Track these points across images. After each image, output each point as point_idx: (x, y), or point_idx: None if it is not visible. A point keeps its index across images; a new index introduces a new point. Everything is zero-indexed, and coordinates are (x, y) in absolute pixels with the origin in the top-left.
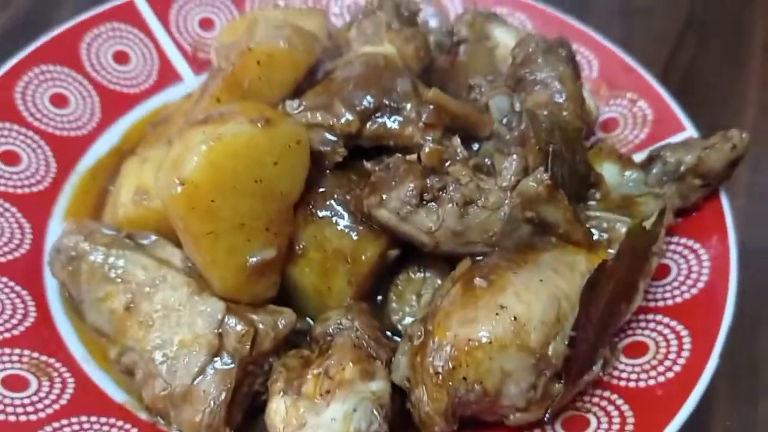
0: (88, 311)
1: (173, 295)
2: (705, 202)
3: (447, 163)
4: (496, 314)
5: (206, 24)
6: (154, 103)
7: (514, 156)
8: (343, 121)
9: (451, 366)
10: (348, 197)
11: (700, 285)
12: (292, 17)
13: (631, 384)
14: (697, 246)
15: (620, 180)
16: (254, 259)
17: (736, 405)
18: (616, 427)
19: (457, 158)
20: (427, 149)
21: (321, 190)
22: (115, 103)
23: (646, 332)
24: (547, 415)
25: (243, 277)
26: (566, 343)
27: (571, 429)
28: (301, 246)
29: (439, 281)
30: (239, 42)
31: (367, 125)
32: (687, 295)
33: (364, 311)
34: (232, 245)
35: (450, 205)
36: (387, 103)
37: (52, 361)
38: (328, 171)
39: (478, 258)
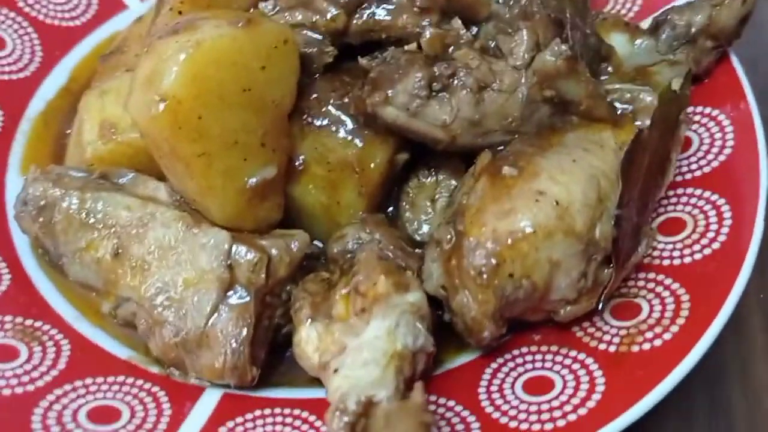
0: (70, 265)
1: (166, 233)
2: (717, 66)
3: (450, 49)
4: (536, 201)
5: None
6: (101, 34)
7: (524, 31)
8: (328, 17)
9: (494, 263)
10: (346, 100)
11: (727, 151)
12: None
13: (676, 261)
14: (716, 113)
15: (631, 50)
16: (254, 180)
17: None
18: (671, 307)
19: (461, 42)
20: (427, 35)
21: (314, 96)
22: (56, 40)
23: (680, 207)
24: (600, 305)
25: (244, 201)
26: (612, 223)
27: (623, 317)
28: (301, 161)
29: (454, 182)
30: None
31: (355, 19)
32: (715, 164)
33: (381, 222)
34: (228, 166)
35: (464, 92)
36: None
37: (39, 324)
38: (317, 75)
39: (498, 148)
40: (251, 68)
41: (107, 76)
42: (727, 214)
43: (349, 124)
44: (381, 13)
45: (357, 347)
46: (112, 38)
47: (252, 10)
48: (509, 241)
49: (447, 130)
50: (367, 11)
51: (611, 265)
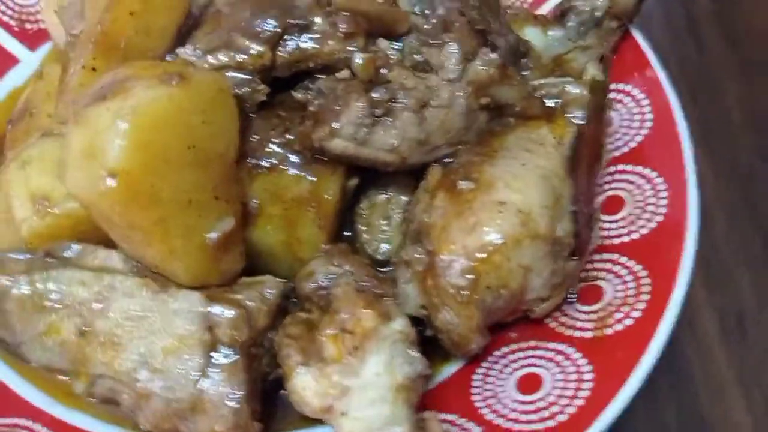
0: (31, 351)
1: (131, 303)
2: (622, 44)
3: (383, 71)
4: (499, 212)
5: None
6: None
7: (451, 44)
8: (252, 53)
9: (471, 279)
10: (288, 136)
11: (648, 124)
12: None
13: (625, 239)
14: (629, 87)
15: (545, 41)
16: (214, 235)
17: None
18: (632, 285)
19: (391, 62)
20: (358, 60)
21: (255, 137)
22: None
23: (615, 185)
24: (570, 296)
25: (207, 257)
26: (570, 219)
27: (589, 301)
28: (254, 204)
29: (404, 197)
30: None
31: (279, 52)
32: (639, 137)
33: (346, 252)
34: (186, 227)
35: (405, 114)
36: (292, 22)
37: (14, 420)
38: (252, 115)
39: (446, 161)
40: (192, 124)
41: (21, 142)
42: (662, 186)
43: (296, 160)
44: (306, 43)
45: (360, 387)
46: (12, 96)
47: (169, 56)
48: (481, 255)
49: (396, 153)
50: (290, 43)
51: (574, 257)
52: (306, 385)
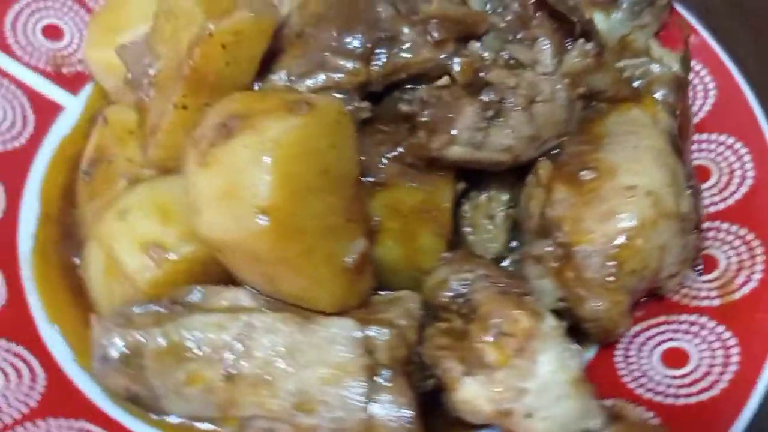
0: (172, 404)
1: (276, 339)
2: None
3: (482, 74)
4: (630, 196)
5: (52, 33)
6: (49, 146)
7: (542, 39)
8: (348, 70)
9: (615, 265)
10: (399, 150)
11: (712, 93)
12: None
13: (721, 206)
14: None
15: (608, 24)
16: (352, 257)
17: None
18: (742, 249)
19: (487, 64)
20: (457, 66)
21: (364, 156)
22: (6, 169)
23: (695, 155)
24: (696, 268)
25: (347, 281)
26: (689, 193)
27: (705, 271)
28: (375, 221)
29: (505, 195)
30: (170, 30)
31: (372, 67)
32: (707, 107)
33: (470, 256)
34: (328, 253)
35: (516, 113)
36: (380, 35)
37: None
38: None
39: (553, 154)
40: (322, 150)
41: (103, 192)
42: (743, 150)
43: (409, 173)
44: (398, 55)
45: (539, 387)
46: (64, 147)
47: (256, 85)
48: (622, 240)
49: (510, 152)
50: (383, 56)
51: (695, 229)
52: (476, 394)
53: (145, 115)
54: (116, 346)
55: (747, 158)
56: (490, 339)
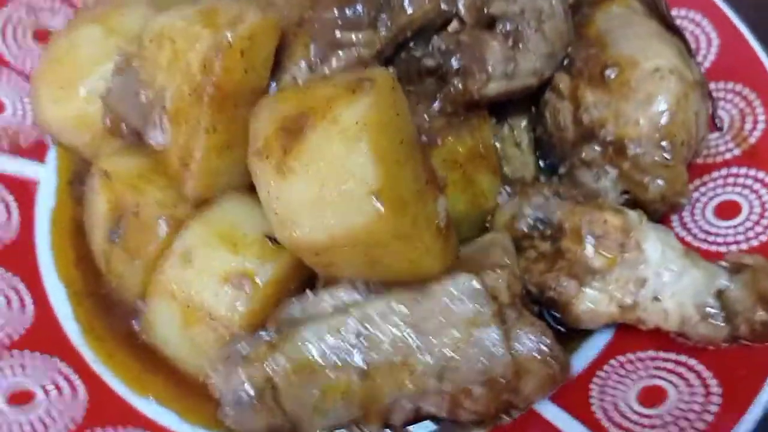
0: (314, 422)
1: (397, 319)
2: None
3: (485, 10)
4: (660, 78)
5: None
6: (44, 228)
7: None
8: (365, 42)
9: (669, 143)
10: (438, 104)
11: (715, 43)
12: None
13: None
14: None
15: None
16: (441, 218)
17: None
18: (763, 193)
19: None
20: (463, 7)
21: None
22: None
23: None
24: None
25: (444, 239)
26: (694, 62)
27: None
28: (441, 178)
29: (523, 120)
30: (169, 56)
31: (380, 32)
32: (711, 57)
33: (527, 183)
34: (426, 219)
35: (533, 35)
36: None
37: None
38: None
39: (564, 66)
40: (394, 120)
41: (144, 245)
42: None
43: (453, 122)
44: (401, 14)
45: (656, 270)
46: (57, 220)
47: (273, 84)
48: (666, 119)
49: (537, 74)
50: (385, 19)
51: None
52: (597, 299)
53: (164, 152)
54: (246, 386)
55: (757, 103)
56: (590, 247)
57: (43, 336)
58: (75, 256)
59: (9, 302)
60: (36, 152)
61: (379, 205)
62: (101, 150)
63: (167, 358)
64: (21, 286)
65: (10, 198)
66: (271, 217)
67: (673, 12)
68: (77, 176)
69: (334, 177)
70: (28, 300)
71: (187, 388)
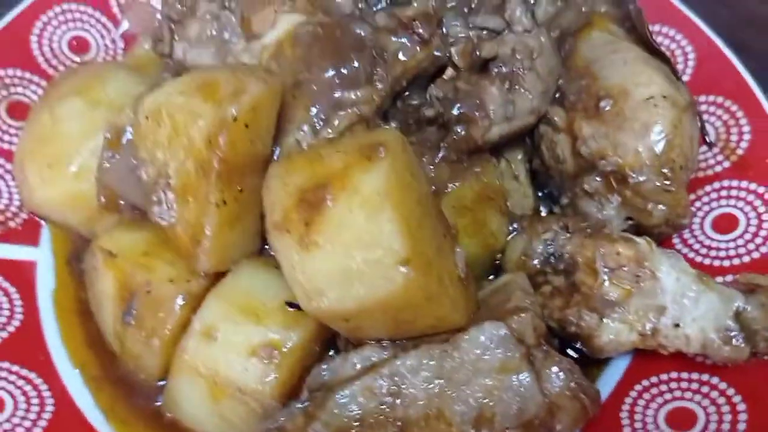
0: None
1: (428, 373)
2: None
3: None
4: (654, 106)
5: None
6: (49, 314)
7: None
8: (365, 99)
9: (669, 169)
10: (442, 153)
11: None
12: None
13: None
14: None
15: None
16: (461, 268)
17: None
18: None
19: (477, 42)
20: (456, 54)
21: None
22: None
23: None
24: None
25: (465, 290)
26: (682, 82)
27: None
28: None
29: (519, 154)
30: (169, 132)
31: (379, 86)
32: (689, 70)
33: (534, 218)
34: (448, 273)
35: (527, 75)
36: (372, 54)
37: None
38: None
39: (557, 99)
40: (410, 181)
41: (162, 323)
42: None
43: (458, 168)
44: (394, 66)
45: (675, 296)
46: (60, 302)
47: (277, 150)
48: (664, 146)
49: (535, 112)
50: (380, 73)
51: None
52: (618, 330)
53: (171, 228)
54: None
55: (740, 114)
56: (605, 279)
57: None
58: (85, 337)
59: (27, 399)
60: (28, 235)
61: (406, 271)
62: (98, 226)
63: None
64: (38, 381)
65: (6, 284)
66: (296, 288)
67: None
68: (75, 254)
69: (360, 248)
70: (47, 393)
71: None
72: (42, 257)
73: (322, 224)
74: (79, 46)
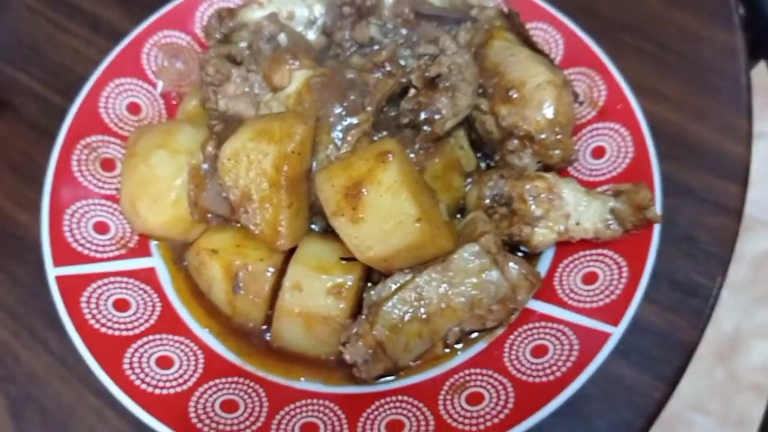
0: (406, 358)
1: (436, 283)
2: None
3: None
4: (543, 89)
5: (101, 228)
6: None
7: (441, 36)
8: (365, 119)
9: (560, 127)
10: (418, 143)
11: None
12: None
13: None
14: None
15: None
16: (445, 215)
17: None
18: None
19: (424, 66)
20: (414, 79)
21: None
22: None
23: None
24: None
25: (449, 227)
26: (558, 68)
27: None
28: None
29: (461, 132)
30: (246, 167)
31: (369, 109)
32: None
33: (479, 172)
34: (439, 221)
35: (463, 83)
36: (363, 90)
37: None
38: None
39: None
40: (412, 170)
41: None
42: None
43: (429, 153)
44: (376, 93)
45: (574, 206)
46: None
47: (314, 163)
48: (552, 113)
49: (471, 106)
50: (370, 100)
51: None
52: (544, 234)
53: (255, 227)
54: (367, 351)
55: (597, 78)
56: (532, 204)
57: (220, 369)
58: (204, 309)
59: (187, 355)
60: (143, 249)
61: (420, 225)
62: (190, 236)
63: (298, 353)
64: (187, 341)
65: (144, 285)
66: (353, 248)
67: (528, 25)
68: (177, 255)
69: (389, 217)
70: (196, 348)
71: (324, 367)
72: (157, 263)
73: (363, 206)
74: (134, 108)
